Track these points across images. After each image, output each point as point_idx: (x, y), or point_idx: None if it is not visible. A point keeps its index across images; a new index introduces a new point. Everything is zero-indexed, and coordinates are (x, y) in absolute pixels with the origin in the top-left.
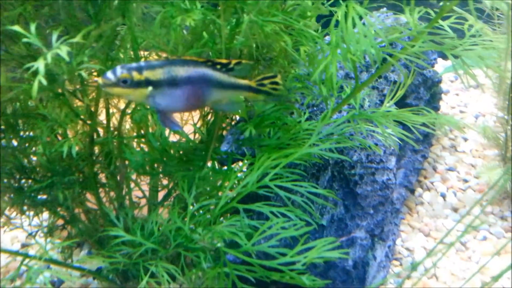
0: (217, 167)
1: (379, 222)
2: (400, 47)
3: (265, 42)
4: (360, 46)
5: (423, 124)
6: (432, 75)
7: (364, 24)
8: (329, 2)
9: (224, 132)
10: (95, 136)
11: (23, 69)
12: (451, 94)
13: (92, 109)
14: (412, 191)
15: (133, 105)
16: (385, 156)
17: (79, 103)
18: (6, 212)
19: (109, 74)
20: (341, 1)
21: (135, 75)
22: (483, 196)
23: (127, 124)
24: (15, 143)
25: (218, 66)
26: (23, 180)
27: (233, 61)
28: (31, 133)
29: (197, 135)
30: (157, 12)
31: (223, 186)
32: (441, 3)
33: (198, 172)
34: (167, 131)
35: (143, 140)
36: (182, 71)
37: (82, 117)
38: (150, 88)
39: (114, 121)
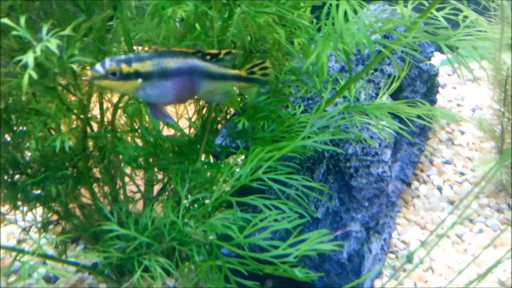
0: (211, 160)
1: (374, 215)
2: (395, 39)
3: (258, 34)
4: (351, 35)
5: (419, 117)
6: (428, 68)
7: (356, 13)
8: None
9: (219, 126)
10: (88, 131)
11: (13, 63)
12: (449, 87)
13: (85, 103)
14: (409, 184)
15: (126, 99)
16: (380, 149)
17: (73, 98)
18: (1, 207)
19: (98, 67)
20: None
21: (124, 67)
22: (473, 188)
23: (122, 119)
24: (8, 138)
25: (208, 57)
26: (17, 176)
27: (223, 51)
28: (25, 128)
29: (192, 130)
30: (150, 4)
31: (216, 179)
32: None
33: (191, 165)
34: (161, 125)
35: (136, 134)
36: (171, 63)
37: (75, 111)
38: (139, 80)
39: (109, 115)
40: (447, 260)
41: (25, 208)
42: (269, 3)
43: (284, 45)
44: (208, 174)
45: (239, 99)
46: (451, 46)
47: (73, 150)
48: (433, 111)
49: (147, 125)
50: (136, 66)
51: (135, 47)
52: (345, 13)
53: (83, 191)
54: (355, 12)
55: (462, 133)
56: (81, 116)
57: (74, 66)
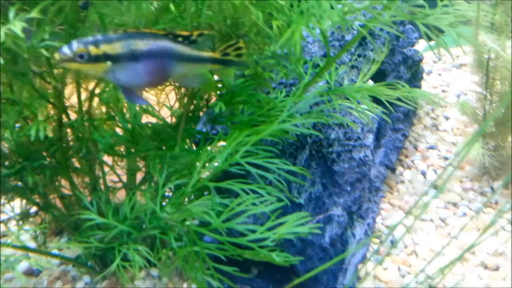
0: (191, 147)
1: (356, 199)
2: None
3: (235, 16)
4: (323, 12)
5: (402, 101)
6: (412, 54)
7: None
8: None
9: (201, 114)
10: (65, 120)
11: None
12: (434, 74)
13: (60, 90)
14: (393, 170)
15: (103, 85)
16: (362, 133)
17: (48, 86)
18: None
19: (65, 49)
20: None
21: (92, 50)
22: (452, 171)
23: (102, 107)
24: None
25: (180, 39)
26: None
27: (195, 33)
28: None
29: (174, 119)
30: None
31: (194, 165)
32: None
33: (169, 151)
34: (140, 113)
35: (114, 121)
36: (142, 45)
37: (50, 100)
38: (108, 62)
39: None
40: (431, 244)
41: (3, 200)
42: None
43: (263, 28)
44: (187, 160)
45: (219, 84)
46: (428, 25)
47: (50, 140)
48: (412, 92)
49: (124, 111)
50: (104, 48)
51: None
52: None
53: (63, 181)
54: None
55: (447, 118)
56: (56, 105)
57: (45, 52)
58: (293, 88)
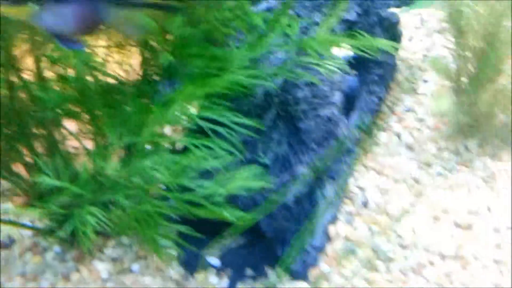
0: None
1: (323, 157)
2: None
3: None
4: None
5: (380, 66)
6: (388, 16)
7: None
8: None
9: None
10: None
11: None
12: (416, 40)
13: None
14: (369, 133)
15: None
16: (330, 91)
17: None
18: None
19: None
20: None
21: None
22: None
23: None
24: None
25: None
26: None
27: None
28: None
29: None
30: None
31: (147, 122)
32: None
33: (121, 109)
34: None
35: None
36: None
37: None
38: (31, 4)
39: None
40: (403, 204)
41: None
42: None
43: None
44: (139, 118)
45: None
46: None
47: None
48: (374, 42)
49: (73, 71)
50: None
51: None
52: None
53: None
54: None
55: (425, 81)
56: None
57: None
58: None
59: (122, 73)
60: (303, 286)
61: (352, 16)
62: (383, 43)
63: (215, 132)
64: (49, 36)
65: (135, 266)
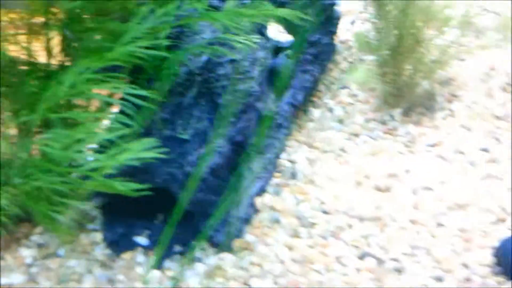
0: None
1: (241, 130)
2: None
3: None
4: None
5: (315, 47)
6: None
7: None
8: None
9: None
10: None
11: None
12: (358, 23)
13: None
14: (304, 110)
15: None
16: (251, 66)
17: None
18: None
19: None
20: None
21: None
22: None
23: None
24: None
25: None
26: None
27: None
28: None
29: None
30: None
31: (42, 98)
32: None
33: (19, 88)
34: None
35: None
36: None
37: None
38: None
39: None
40: (329, 172)
41: None
42: None
43: None
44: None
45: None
46: None
47: None
48: (275, 11)
49: None
50: None
51: None
52: None
53: None
54: None
55: (361, 60)
56: None
57: None
58: None
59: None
60: (227, 257)
61: None
62: (284, 12)
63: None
64: None
65: (61, 251)
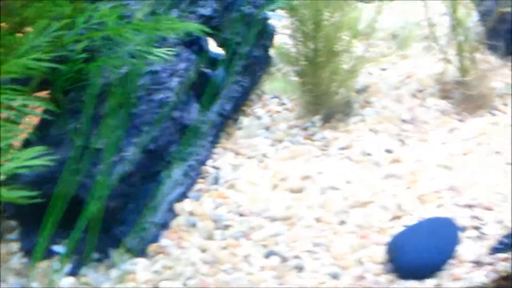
0: None
1: (155, 139)
2: None
3: None
4: None
5: (246, 59)
6: (253, 12)
7: None
8: None
9: None
10: None
11: None
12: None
13: None
14: (235, 119)
15: None
16: (169, 78)
17: None
18: None
19: None
20: None
21: None
22: None
23: None
24: None
25: None
26: None
27: None
28: None
29: None
30: None
31: None
32: None
33: None
34: None
35: None
36: None
37: None
38: None
39: None
40: (250, 177)
41: None
42: None
43: None
44: None
45: None
46: None
47: None
48: (182, 25)
49: None
50: None
51: None
52: None
53: None
54: None
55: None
56: None
57: None
58: None
59: None
60: (141, 262)
61: (207, 11)
62: (190, 26)
63: None
64: None
65: None
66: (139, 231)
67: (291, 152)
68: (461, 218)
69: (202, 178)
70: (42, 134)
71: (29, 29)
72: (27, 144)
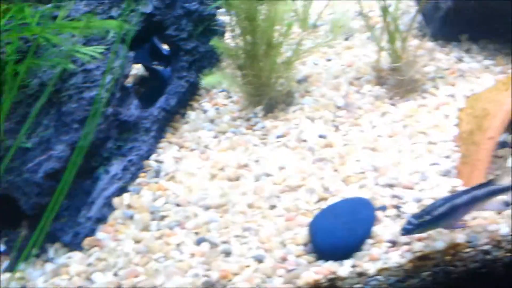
0: None
1: (86, 135)
2: None
3: None
4: None
5: (191, 55)
6: (198, 8)
7: None
8: None
9: None
10: None
11: None
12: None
13: None
14: (183, 114)
15: None
16: (101, 75)
17: None
18: None
19: None
20: None
21: None
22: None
23: None
24: None
25: None
26: None
27: None
28: None
29: None
30: None
31: None
32: None
33: None
34: None
35: None
36: None
37: None
38: None
39: None
40: (190, 168)
41: None
42: None
43: None
44: None
45: None
46: None
47: None
48: (99, 23)
49: None
50: None
51: None
52: None
53: None
54: None
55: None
56: None
57: None
58: None
59: None
60: (77, 255)
61: (148, 9)
62: (111, 24)
63: None
64: None
65: None
66: (74, 226)
67: (232, 142)
68: (382, 197)
69: (144, 172)
70: None
71: None
72: None
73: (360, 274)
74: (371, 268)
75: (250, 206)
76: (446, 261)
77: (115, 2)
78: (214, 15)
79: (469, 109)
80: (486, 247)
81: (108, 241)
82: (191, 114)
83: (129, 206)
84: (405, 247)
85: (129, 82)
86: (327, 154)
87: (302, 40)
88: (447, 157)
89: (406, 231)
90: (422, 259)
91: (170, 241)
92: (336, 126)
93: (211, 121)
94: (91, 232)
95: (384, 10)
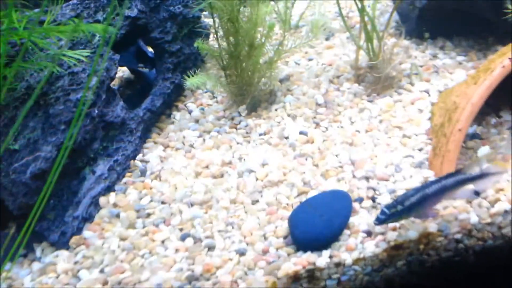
0: None
1: (72, 136)
2: None
3: None
4: None
5: (175, 57)
6: (182, 11)
7: None
8: None
9: None
10: None
11: None
12: None
13: None
14: (168, 115)
15: None
16: (87, 78)
17: None
18: None
19: None
20: None
21: None
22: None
23: None
24: None
25: None
26: None
27: None
28: None
29: None
30: None
31: None
32: None
33: None
34: None
35: None
36: None
37: None
38: None
39: None
40: (175, 167)
41: None
42: None
43: None
44: None
45: None
46: None
47: None
48: (85, 27)
49: None
50: None
51: None
52: None
53: None
54: None
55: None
56: None
57: None
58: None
59: None
60: (63, 254)
61: (133, 13)
62: (97, 27)
63: None
64: None
65: None
66: (61, 226)
67: (217, 141)
68: (358, 189)
69: (130, 171)
70: None
71: None
72: None
73: (338, 264)
74: (347, 258)
75: (233, 201)
76: (420, 250)
77: (100, 6)
78: (198, 17)
79: (441, 103)
80: (457, 236)
81: (94, 239)
82: (177, 115)
83: (115, 205)
84: (380, 237)
85: (115, 84)
86: (308, 150)
87: (284, 40)
88: (420, 149)
89: (379, 221)
90: (396, 248)
91: (155, 237)
92: (317, 123)
93: (196, 121)
94: (78, 231)
95: (361, 10)
